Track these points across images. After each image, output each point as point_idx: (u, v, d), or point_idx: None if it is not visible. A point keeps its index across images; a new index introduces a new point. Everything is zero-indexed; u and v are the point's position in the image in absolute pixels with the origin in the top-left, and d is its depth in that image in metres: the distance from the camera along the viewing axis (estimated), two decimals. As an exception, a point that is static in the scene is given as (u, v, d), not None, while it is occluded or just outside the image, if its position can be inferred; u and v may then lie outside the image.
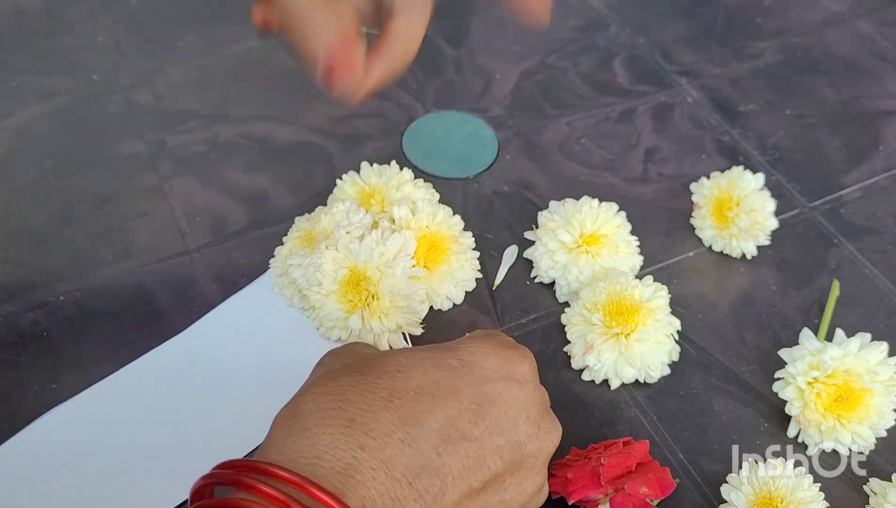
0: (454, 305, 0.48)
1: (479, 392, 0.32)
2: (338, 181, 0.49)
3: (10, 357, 0.45)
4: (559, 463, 0.40)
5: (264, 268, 0.49)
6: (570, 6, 0.70)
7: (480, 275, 0.48)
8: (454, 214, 0.48)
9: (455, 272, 0.47)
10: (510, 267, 0.51)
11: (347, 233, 0.43)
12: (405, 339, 0.45)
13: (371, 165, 0.50)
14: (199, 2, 0.70)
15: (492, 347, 0.35)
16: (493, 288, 0.49)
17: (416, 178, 0.50)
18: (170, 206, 0.53)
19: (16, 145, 0.57)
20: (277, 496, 0.26)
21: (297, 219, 0.48)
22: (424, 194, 0.49)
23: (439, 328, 0.47)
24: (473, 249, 0.49)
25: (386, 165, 0.50)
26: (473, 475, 0.31)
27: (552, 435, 0.34)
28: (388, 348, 0.43)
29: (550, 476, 0.40)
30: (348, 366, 0.34)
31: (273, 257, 0.48)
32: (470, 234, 0.49)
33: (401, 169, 0.50)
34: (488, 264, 0.51)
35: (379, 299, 0.42)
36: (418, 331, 0.45)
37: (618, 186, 0.56)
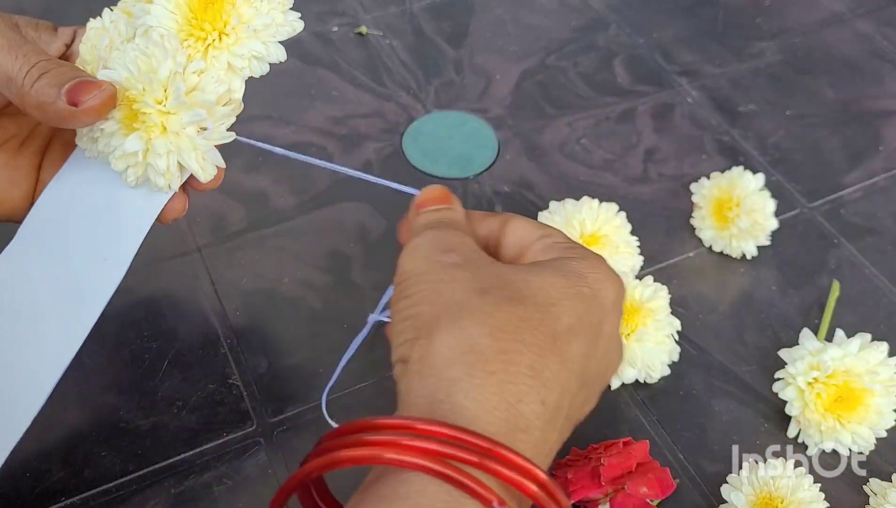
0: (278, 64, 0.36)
1: (599, 326, 0.30)
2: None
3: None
4: (559, 463, 0.40)
5: (264, 268, 0.49)
6: (570, 6, 0.70)
7: (298, 15, 0.36)
8: None
9: (253, 21, 0.35)
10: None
11: (115, 50, 0.35)
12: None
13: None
14: (199, 2, 0.70)
15: (608, 274, 0.31)
16: None
17: (416, 178, 0.49)
18: (170, 206, 0.53)
19: (16, 145, 0.57)
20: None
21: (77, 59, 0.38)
22: None
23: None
24: None
25: None
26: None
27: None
28: (200, 168, 0.35)
29: (550, 476, 0.40)
30: (476, 273, 0.30)
31: (273, 257, 0.48)
32: None
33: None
34: (488, 264, 0.51)
35: (155, 114, 0.34)
36: (229, 137, 0.36)
37: (618, 186, 0.56)
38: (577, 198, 0.49)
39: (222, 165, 0.36)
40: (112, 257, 0.37)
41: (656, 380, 0.45)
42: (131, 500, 0.40)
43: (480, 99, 0.62)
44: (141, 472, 0.41)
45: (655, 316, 0.44)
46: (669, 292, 0.46)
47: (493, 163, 0.57)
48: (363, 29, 0.67)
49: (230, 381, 0.45)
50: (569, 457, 0.40)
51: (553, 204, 0.50)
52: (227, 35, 0.34)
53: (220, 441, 0.43)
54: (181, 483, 0.41)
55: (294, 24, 0.36)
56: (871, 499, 0.40)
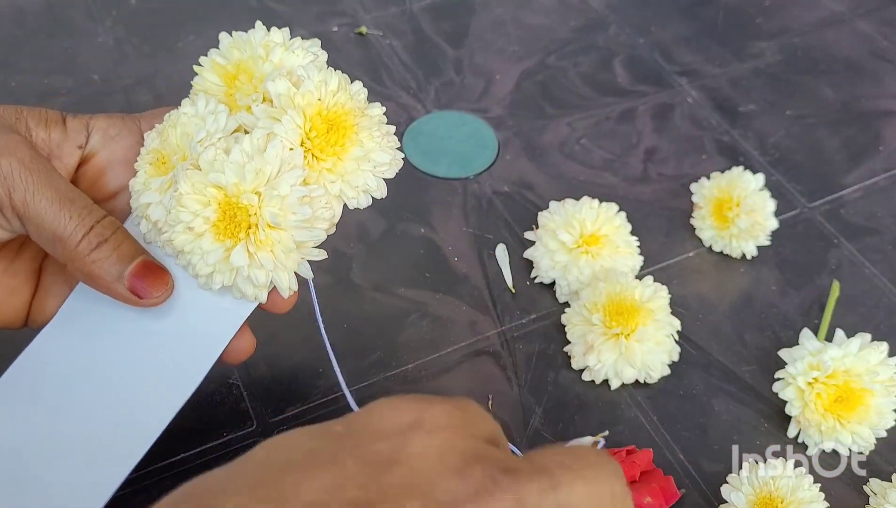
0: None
1: (370, 452, 0.25)
2: (196, 68, 0.36)
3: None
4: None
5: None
6: (570, 6, 0.70)
7: (402, 155, 0.36)
8: (355, 83, 0.36)
9: (371, 154, 0.34)
10: (509, 265, 0.51)
11: (210, 145, 0.32)
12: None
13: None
14: (199, 2, 0.70)
15: (387, 401, 0.27)
16: (511, 289, 0.49)
17: (417, 178, 0.49)
18: (170, 206, 0.53)
19: (16, 145, 0.57)
20: None
21: (146, 135, 0.36)
22: (304, 58, 0.35)
23: (438, 327, 0.47)
24: (388, 123, 0.36)
25: (252, 30, 0.36)
26: None
27: (494, 487, 0.24)
28: (287, 286, 0.34)
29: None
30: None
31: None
32: (378, 104, 0.36)
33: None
34: (489, 265, 0.51)
35: (265, 229, 0.32)
36: (322, 255, 0.34)
37: (618, 186, 0.56)
38: (577, 198, 0.49)
39: (310, 275, 0.35)
40: (185, 366, 0.35)
41: (656, 380, 0.45)
42: (131, 500, 0.40)
43: (480, 99, 0.62)
44: (141, 472, 0.41)
45: (655, 316, 0.44)
46: (669, 292, 0.46)
47: (493, 163, 0.57)
48: (363, 29, 0.67)
49: (230, 381, 0.45)
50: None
51: (553, 204, 0.50)
52: (342, 162, 0.33)
53: (220, 441, 0.43)
54: (181, 483, 0.41)
55: (399, 163, 0.35)
56: (871, 499, 0.40)
